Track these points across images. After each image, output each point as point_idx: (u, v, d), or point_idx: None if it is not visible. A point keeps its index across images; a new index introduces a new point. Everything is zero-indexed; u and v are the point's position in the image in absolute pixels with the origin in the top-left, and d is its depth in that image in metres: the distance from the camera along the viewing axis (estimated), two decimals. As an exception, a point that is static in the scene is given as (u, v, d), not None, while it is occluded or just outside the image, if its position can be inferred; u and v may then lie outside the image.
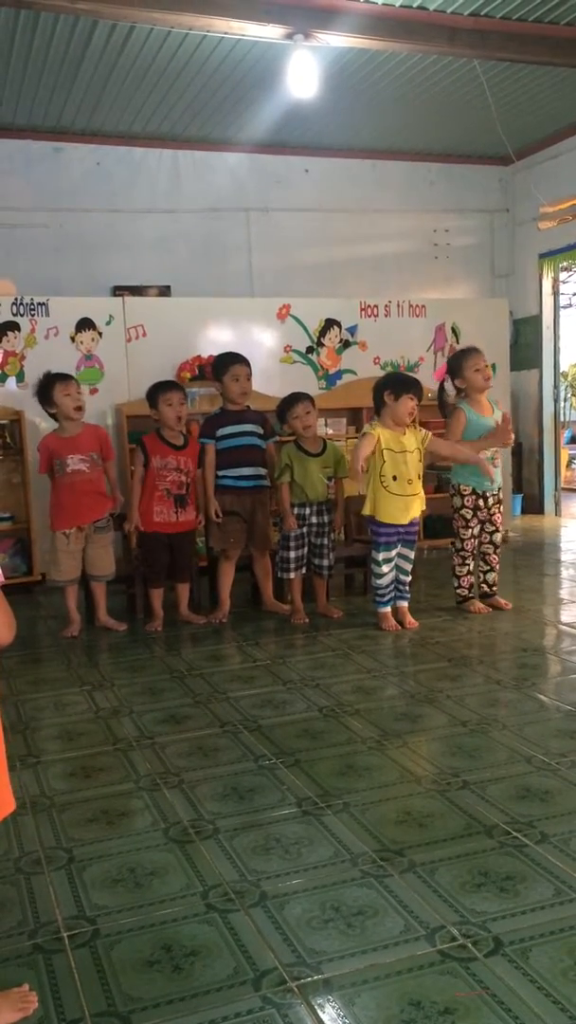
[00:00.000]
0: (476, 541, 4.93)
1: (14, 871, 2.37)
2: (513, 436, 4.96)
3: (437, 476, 7.15)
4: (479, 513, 4.89)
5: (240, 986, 1.85)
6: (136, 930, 2.07)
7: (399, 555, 4.71)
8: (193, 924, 2.08)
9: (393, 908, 2.10)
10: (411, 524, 4.69)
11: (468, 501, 4.88)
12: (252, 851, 2.41)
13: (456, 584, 5.02)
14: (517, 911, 2.07)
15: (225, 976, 1.88)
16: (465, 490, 4.89)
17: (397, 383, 4.68)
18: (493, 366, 5.11)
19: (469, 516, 4.89)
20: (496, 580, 5.07)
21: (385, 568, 4.67)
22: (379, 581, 4.70)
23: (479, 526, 4.91)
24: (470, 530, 4.90)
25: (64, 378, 4.86)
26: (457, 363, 4.94)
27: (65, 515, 4.81)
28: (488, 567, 5.02)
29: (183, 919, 2.11)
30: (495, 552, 4.99)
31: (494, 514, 4.93)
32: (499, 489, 4.96)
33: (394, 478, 4.58)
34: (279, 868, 2.31)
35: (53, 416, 4.90)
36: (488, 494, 4.89)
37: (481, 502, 4.88)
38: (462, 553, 4.94)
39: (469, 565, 4.96)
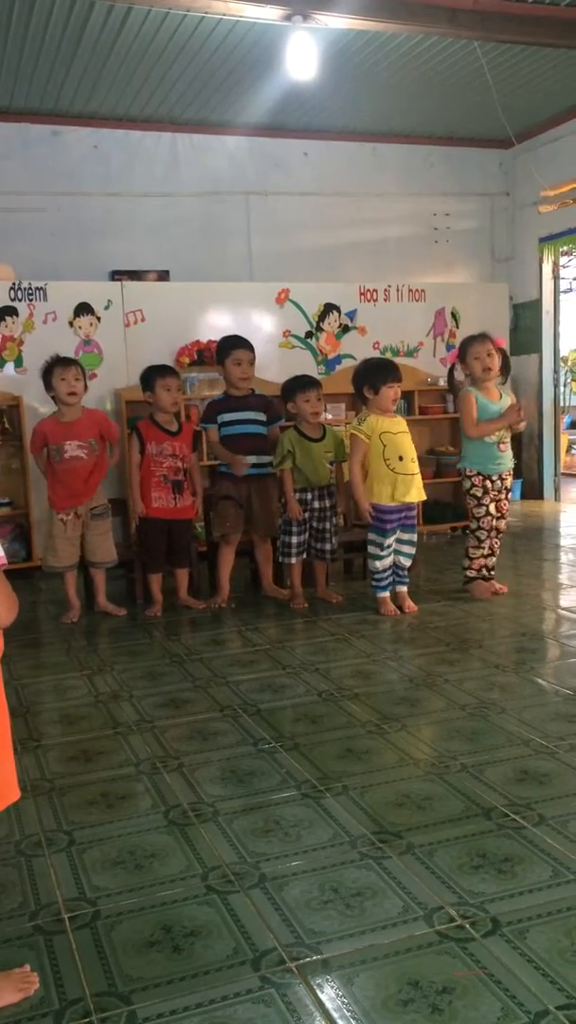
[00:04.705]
0: (492, 520, 4.90)
1: (15, 853, 2.39)
2: (524, 421, 4.86)
3: (436, 461, 7.16)
4: (491, 492, 4.86)
5: (239, 966, 1.86)
6: (136, 911, 2.08)
7: (398, 540, 4.71)
8: (193, 905, 2.10)
9: (392, 889, 2.12)
10: (410, 508, 4.69)
11: (476, 481, 4.86)
12: (252, 833, 2.42)
13: (466, 564, 5.00)
14: (515, 892, 2.08)
15: (225, 956, 1.90)
16: (471, 472, 4.88)
17: (374, 375, 4.64)
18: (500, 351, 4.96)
19: (480, 495, 4.85)
20: (494, 565, 5.06)
21: (383, 553, 4.67)
22: (376, 565, 4.70)
23: (492, 504, 4.88)
24: (483, 508, 4.86)
25: (64, 362, 4.81)
26: (463, 349, 4.89)
27: (64, 496, 4.80)
28: (489, 552, 5.00)
29: (183, 900, 2.12)
30: (496, 537, 4.98)
31: (500, 500, 4.88)
32: (508, 473, 4.89)
33: (399, 458, 4.58)
34: (278, 850, 2.33)
35: (54, 399, 4.88)
36: (495, 477, 4.85)
37: (488, 483, 4.86)
38: (478, 534, 4.90)
39: (484, 548, 4.94)
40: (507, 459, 4.90)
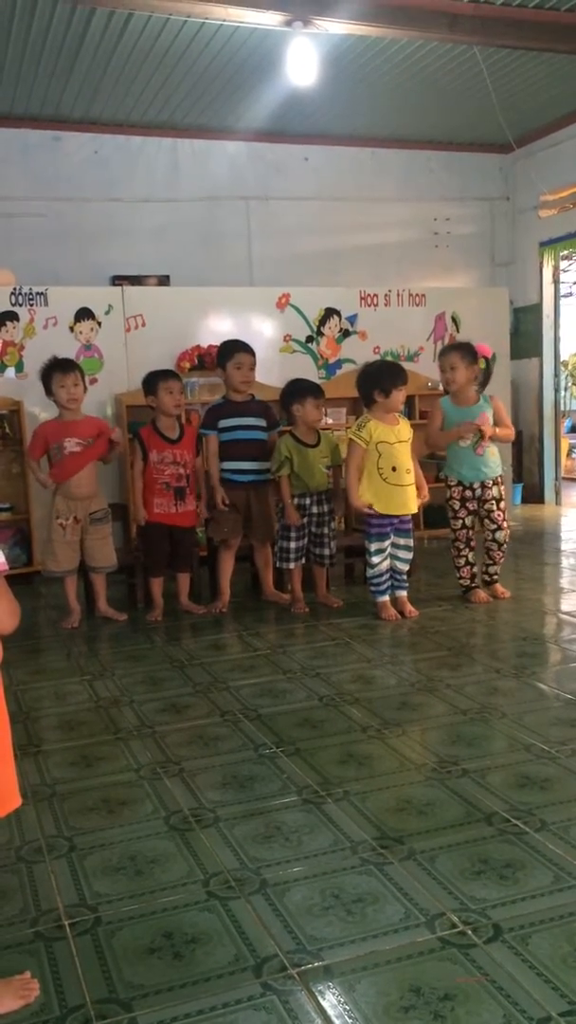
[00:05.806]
0: (469, 531, 4.89)
1: (15, 859, 2.38)
2: (480, 430, 4.69)
3: (436, 466, 7.15)
4: (468, 504, 4.85)
5: (241, 973, 1.86)
6: (137, 917, 2.08)
7: (393, 545, 4.70)
8: (194, 911, 2.09)
9: (393, 895, 2.11)
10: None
11: (455, 492, 4.86)
12: (252, 839, 2.42)
13: (457, 575, 5.01)
14: (517, 898, 2.07)
15: (226, 963, 1.89)
16: (451, 481, 4.88)
17: (384, 379, 4.62)
18: (494, 357, 4.91)
19: (457, 507, 4.86)
20: (497, 572, 5.03)
21: (378, 558, 4.66)
22: (372, 571, 4.69)
23: (470, 516, 4.87)
24: (459, 520, 4.87)
25: (63, 368, 4.79)
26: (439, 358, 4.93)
27: (64, 474, 4.77)
28: (491, 561, 4.98)
29: (184, 907, 2.11)
30: (499, 549, 4.91)
31: (492, 511, 4.83)
32: (494, 482, 4.82)
33: (393, 469, 4.57)
34: (279, 856, 2.32)
35: (55, 402, 4.88)
36: (476, 484, 4.80)
37: (469, 492, 4.83)
38: (457, 544, 4.92)
39: (466, 555, 4.93)
40: (488, 466, 4.80)
